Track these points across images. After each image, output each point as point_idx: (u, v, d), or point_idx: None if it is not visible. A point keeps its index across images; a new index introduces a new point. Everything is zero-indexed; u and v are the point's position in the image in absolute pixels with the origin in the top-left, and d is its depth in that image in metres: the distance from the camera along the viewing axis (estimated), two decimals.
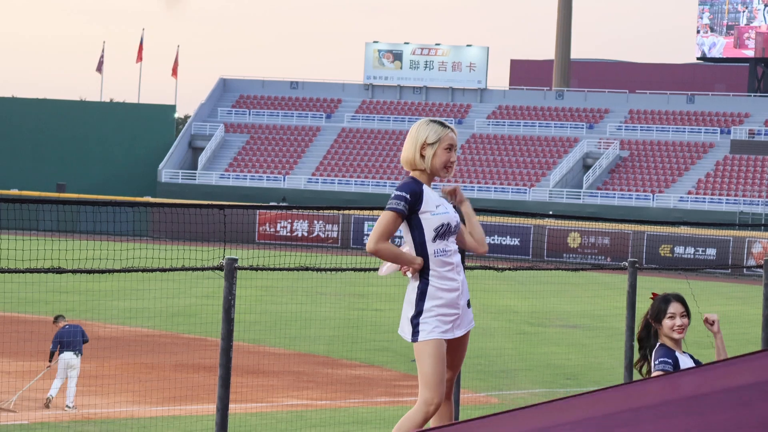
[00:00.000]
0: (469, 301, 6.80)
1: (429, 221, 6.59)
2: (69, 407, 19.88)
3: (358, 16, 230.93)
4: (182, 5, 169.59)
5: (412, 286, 6.63)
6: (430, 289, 6.56)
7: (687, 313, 7.51)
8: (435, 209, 6.61)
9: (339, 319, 32.32)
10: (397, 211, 6.53)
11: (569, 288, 41.91)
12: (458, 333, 6.63)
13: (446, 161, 6.66)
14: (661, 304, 7.48)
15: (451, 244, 6.68)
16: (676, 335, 7.43)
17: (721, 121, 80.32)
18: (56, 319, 20.48)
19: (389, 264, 6.73)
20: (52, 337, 20.39)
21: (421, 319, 6.55)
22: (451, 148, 6.68)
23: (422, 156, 6.65)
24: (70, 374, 20.11)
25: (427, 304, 6.55)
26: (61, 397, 20.17)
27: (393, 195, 6.57)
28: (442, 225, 6.61)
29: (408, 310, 6.61)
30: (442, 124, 6.70)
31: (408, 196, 6.55)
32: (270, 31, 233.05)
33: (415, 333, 6.56)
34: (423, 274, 6.60)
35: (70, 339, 20.19)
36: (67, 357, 20.05)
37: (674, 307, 7.44)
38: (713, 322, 7.61)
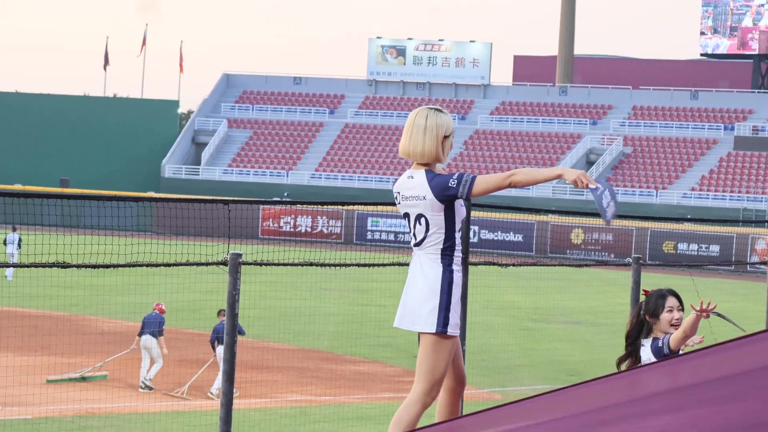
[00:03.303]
0: None
1: (460, 210, 6.50)
2: (211, 394, 20.92)
3: (361, 12, 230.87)
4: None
5: (436, 275, 6.42)
6: (455, 277, 6.44)
7: (681, 308, 7.59)
8: (462, 201, 6.55)
9: (342, 315, 32.34)
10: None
11: (573, 284, 41.94)
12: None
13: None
14: (658, 299, 7.55)
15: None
16: (673, 330, 7.47)
17: (724, 118, 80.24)
18: (219, 313, 21.28)
19: (607, 202, 6.52)
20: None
21: (451, 311, 6.40)
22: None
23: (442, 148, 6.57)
24: (221, 365, 20.95)
25: (454, 294, 6.41)
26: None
27: (456, 175, 6.34)
28: (465, 217, 6.65)
29: (432, 299, 6.38)
30: (447, 114, 6.68)
31: None
32: (273, 27, 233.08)
33: (446, 324, 6.37)
34: (448, 263, 6.43)
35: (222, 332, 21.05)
36: (220, 350, 20.83)
37: (671, 301, 7.53)
38: (707, 313, 7.40)
